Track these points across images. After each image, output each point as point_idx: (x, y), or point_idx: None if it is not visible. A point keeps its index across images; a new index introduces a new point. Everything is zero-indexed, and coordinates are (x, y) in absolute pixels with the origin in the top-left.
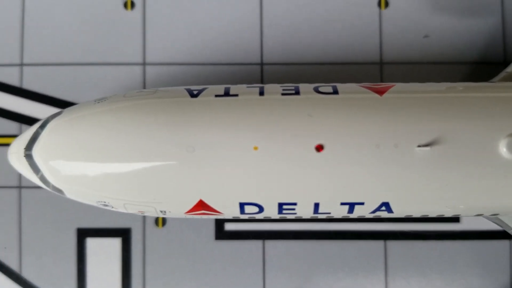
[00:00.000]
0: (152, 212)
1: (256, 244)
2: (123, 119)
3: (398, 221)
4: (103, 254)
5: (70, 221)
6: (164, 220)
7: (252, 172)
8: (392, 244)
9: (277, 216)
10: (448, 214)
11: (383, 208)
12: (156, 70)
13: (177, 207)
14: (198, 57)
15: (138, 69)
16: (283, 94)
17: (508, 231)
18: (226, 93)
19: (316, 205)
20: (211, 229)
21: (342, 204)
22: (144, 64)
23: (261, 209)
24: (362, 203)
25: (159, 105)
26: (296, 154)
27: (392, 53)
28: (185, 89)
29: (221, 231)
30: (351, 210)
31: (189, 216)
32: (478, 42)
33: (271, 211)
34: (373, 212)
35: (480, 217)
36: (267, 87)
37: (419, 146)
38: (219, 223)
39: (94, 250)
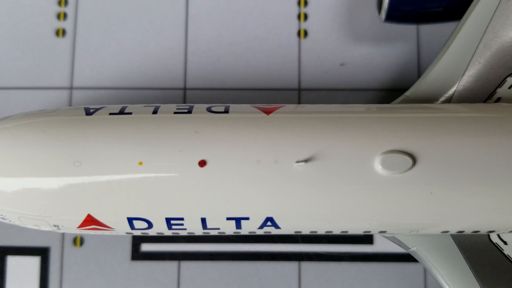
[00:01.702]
0: (46, 226)
1: (172, 264)
2: (17, 135)
3: (313, 242)
4: (22, 273)
5: None
6: (82, 240)
7: (137, 187)
8: (307, 265)
9: (169, 232)
10: (335, 230)
11: (269, 223)
12: (83, 94)
13: (67, 222)
14: (124, 82)
15: (65, 93)
16: (175, 112)
17: (406, 250)
18: (121, 112)
19: (203, 220)
20: (128, 249)
21: (228, 219)
22: (71, 88)
23: (150, 224)
24: (247, 218)
25: (54, 123)
26: (180, 169)
27: (310, 80)
28: (84, 107)
29: (137, 252)
30: (238, 226)
31: (84, 231)
32: (394, 69)
33: (160, 227)
34: (261, 227)
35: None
36: (162, 106)
37: (297, 161)
38: (136, 244)
39: (13, 268)
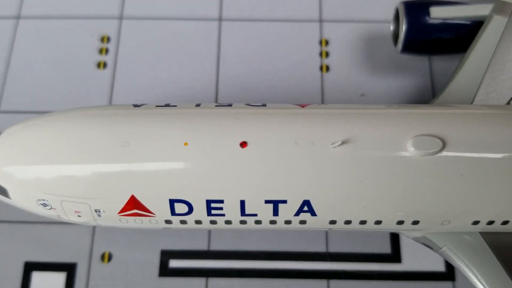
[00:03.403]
0: (87, 212)
1: (199, 281)
2: (71, 121)
3: (341, 261)
4: None
5: (19, 254)
6: (110, 256)
7: (181, 168)
8: (335, 284)
9: (207, 220)
10: (369, 219)
11: (306, 208)
12: None
13: (110, 204)
14: None
15: None
16: (217, 106)
17: (437, 251)
18: (167, 105)
19: (242, 204)
20: (156, 265)
21: (267, 202)
22: None
23: (190, 208)
24: (285, 201)
25: (104, 112)
26: (222, 150)
27: None
28: (132, 104)
29: (165, 268)
30: (276, 211)
31: (123, 219)
32: (409, 99)
33: (200, 211)
34: (297, 214)
35: (422, 258)
36: (204, 104)
37: (333, 143)
38: (164, 260)
39: (38, 284)
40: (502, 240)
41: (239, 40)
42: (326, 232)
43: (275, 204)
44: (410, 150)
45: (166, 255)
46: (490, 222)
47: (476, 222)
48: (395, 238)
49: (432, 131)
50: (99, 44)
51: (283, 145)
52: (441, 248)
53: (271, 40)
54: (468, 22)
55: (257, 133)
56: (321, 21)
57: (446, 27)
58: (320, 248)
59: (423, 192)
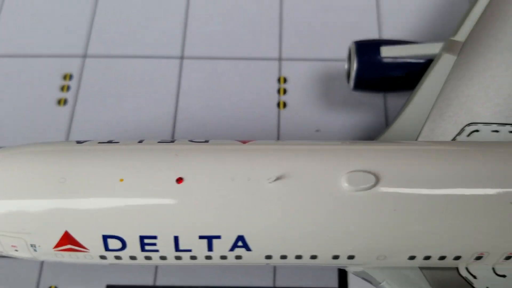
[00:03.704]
0: (24, 247)
1: None
2: (5, 160)
3: None
4: None
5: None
6: None
7: (115, 204)
8: None
9: (141, 256)
10: (304, 253)
11: (240, 243)
12: None
13: (45, 239)
14: None
15: None
16: (159, 142)
17: (376, 286)
18: (109, 142)
19: (176, 239)
20: None
21: (201, 237)
22: None
23: (124, 244)
24: (219, 237)
25: (44, 149)
26: (157, 186)
27: None
28: (76, 141)
29: None
30: (210, 246)
31: (59, 254)
32: (364, 134)
33: (134, 247)
34: (232, 249)
35: None
36: (147, 140)
37: (269, 179)
38: None
39: None
40: (442, 275)
41: (199, 77)
42: (274, 267)
43: (209, 240)
44: (344, 186)
45: None
46: (427, 257)
47: (412, 257)
48: (342, 273)
49: (366, 167)
50: (61, 82)
51: (219, 181)
52: (380, 283)
53: (231, 77)
54: (418, 61)
55: (194, 169)
56: (280, 59)
57: (397, 65)
58: (267, 283)
59: (357, 227)
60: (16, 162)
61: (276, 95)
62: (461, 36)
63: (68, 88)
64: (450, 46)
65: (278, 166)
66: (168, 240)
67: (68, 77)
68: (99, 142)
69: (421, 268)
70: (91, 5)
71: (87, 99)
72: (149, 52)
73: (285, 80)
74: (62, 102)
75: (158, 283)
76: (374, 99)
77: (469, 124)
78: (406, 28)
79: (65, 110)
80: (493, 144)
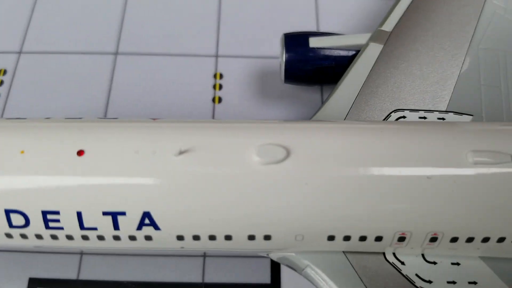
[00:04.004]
0: None
1: None
2: None
3: None
4: None
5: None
6: None
7: (15, 176)
8: None
9: (47, 234)
10: (218, 233)
11: (147, 221)
12: None
13: None
14: None
15: None
16: (66, 118)
17: (299, 272)
18: (17, 118)
19: (79, 215)
20: None
21: (105, 214)
22: None
23: (27, 220)
24: (124, 213)
25: None
26: (58, 158)
27: None
28: None
29: None
30: (116, 224)
31: None
32: None
33: (37, 224)
34: (140, 227)
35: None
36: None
37: (175, 153)
38: None
39: None
40: (367, 260)
41: (133, 73)
42: (204, 261)
43: (114, 217)
44: (254, 159)
45: (35, 283)
46: (347, 238)
47: (332, 238)
48: (275, 268)
49: (277, 141)
50: None
51: (122, 154)
52: (303, 268)
53: (166, 73)
54: (346, 51)
55: (96, 141)
56: (217, 56)
57: (325, 56)
58: (195, 278)
59: (269, 202)
60: None
61: (212, 90)
62: (388, 26)
63: (2, 82)
64: (377, 36)
65: (186, 140)
66: (71, 216)
67: (2, 72)
68: (7, 119)
69: (346, 253)
70: (30, 4)
71: (19, 93)
72: (83, 48)
73: (221, 76)
74: None
75: (82, 277)
76: (310, 94)
77: (395, 111)
78: (344, 29)
79: None
80: (410, 123)
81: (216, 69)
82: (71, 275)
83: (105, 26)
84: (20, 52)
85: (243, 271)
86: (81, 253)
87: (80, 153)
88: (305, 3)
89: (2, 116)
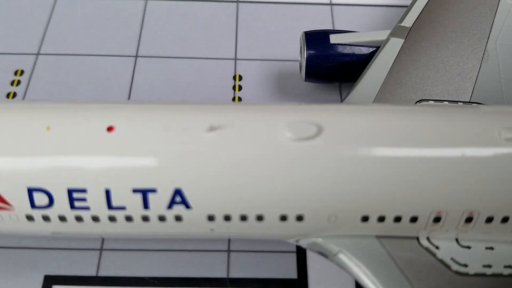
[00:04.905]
0: None
1: None
2: None
3: (243, 287)
4: None
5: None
6: None
7: (41, 153)
8: None
9: (71, 215)
10: (249, 212)
11: (178, 198)
12: None
13: None
14: None
15: None
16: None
17: (332, 259)
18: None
19: (108, 193)
20: None
21: (135, 191)
22: None
23: (51, 199)
24: (155, 190)
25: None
26: (87, 135)
27: None
28: None
29: None
30: (145, 202)
31: None
32: None
33: (62, 203)
34: (170, 206)
35: (330, 283)
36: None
37: (207, 130)
38: (47, 286)
39: None
40: (401, 244)
41: (153, 75)
42: (228, 255)
43: (144, 194)
44: (286, 135)
45: (50, 280)
46: (382, 219)
47: (366, 219)
48: (301, 262)
49: (308, 119)
50: (12, 77)
51: (152, 130)
52: (335, 254)
53: (189, 75)
54: (367, 48)
55: (127, 118)
56: (236, 59)
57: (346, 52)
58: (220, 273)
59: (301, 179)
60: None
61: (231, 91)
62: (408, 22)
63: (19, 82)
64: (397, 31)
65: (217, 118)
66: (99, 194)
67: (19, 72)
68: (31, 100)
69: (379, 238)
70: (49, 8)
71: (37, 94)
72: (103, 51)
73: (240, 78)
74: (11, 95)
75: (102, 273)
76: (329, 94)
77: (420, 101)
78: None
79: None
80: (441, 106)
81: (235, 71)
82: (90, 271)
83: (126, 30)
84: (38, 54)
85: (269, 266)
86: (101, 249)
87: (110, 129)
88: (320, 10)
89: None
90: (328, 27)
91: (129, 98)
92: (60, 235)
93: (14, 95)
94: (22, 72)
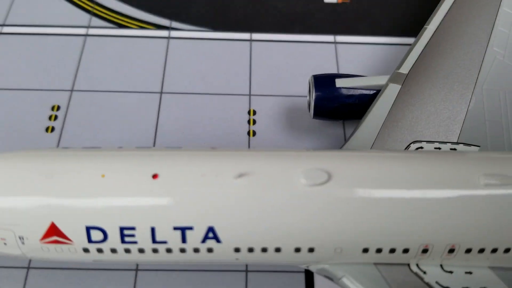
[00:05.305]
0: (12, 239)
1: None
2: (6, 162)
3: None
4: None
5: None
6: None
7: (97, 196)
8: None
9: (121, 247)
10: (269, 246)
11: (211, 234)
12: None
13: (33, 231)
14: None
15: None
16: (137, 148)
17: (336, 282)
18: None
19: (153, 230)
20: None
21: (175, 228)
22: None
23: (105, 235)
24: (191, 228)
25: (35, 152)
26: (135, 181)
27: None
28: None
29: None
30: (183, 237)
31: (45, 248)
32: None
33: (114, 238)
34: (204, 241)
35: None
36: (124, 147)
37: (236, 176)
38: None
39: None
40: (395, 270)
41: (176, 110)
42: (246, 276)
43: (183, 231)
44: (301, 181)
45: None
46: (379, 250)
47: (366, 250)
48: (309, 280)
49: (320, 166)
50: (49, 112)
51: (191, 176)
52: (340, 278)
53: (207, 110)
54: (368, 91)
55: (168, 167)
56: (250, 95)
57: (349, 95)
58: None
59: (314, 219)
60: (8, 163)
61: (246, 125)
62: (405, 69)
63: (56, 117)
64: (395, 77)
65: (244, 165)
66: (145, 231)
67: (56, 107)
68: (83, 147)
69: (376, 264)
70: (79, 46)
71: (72, 127)
72: (131, 88)
73: (254, 112)
74: (50, 129)
75: None
76: (334, 129)
77: (414, 142)
78: (361, 73)
79: (52, 136)
80: (429, 152)
81: (249, 106)
82: None
83: (150, 69)
84: (71, 90)
85: (280, 283)
86: (136, 269)
87: (155, 176)
88: (326, 49)
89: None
90: (333, 63)
91: (156, 130)
92: (101, 262)
93: (53, 129)
94: (58, 107)
